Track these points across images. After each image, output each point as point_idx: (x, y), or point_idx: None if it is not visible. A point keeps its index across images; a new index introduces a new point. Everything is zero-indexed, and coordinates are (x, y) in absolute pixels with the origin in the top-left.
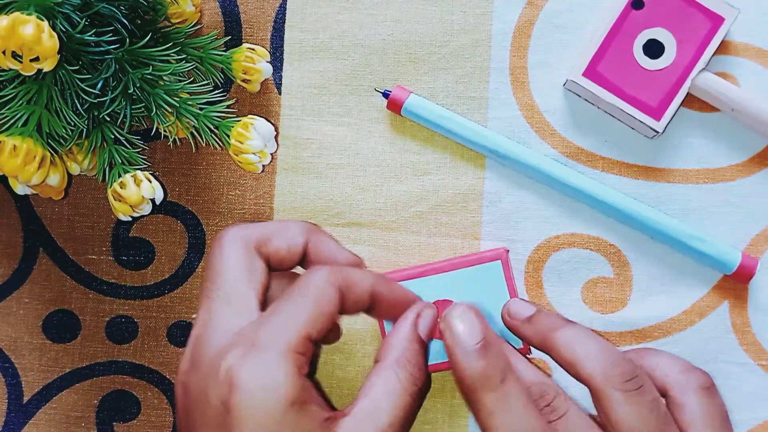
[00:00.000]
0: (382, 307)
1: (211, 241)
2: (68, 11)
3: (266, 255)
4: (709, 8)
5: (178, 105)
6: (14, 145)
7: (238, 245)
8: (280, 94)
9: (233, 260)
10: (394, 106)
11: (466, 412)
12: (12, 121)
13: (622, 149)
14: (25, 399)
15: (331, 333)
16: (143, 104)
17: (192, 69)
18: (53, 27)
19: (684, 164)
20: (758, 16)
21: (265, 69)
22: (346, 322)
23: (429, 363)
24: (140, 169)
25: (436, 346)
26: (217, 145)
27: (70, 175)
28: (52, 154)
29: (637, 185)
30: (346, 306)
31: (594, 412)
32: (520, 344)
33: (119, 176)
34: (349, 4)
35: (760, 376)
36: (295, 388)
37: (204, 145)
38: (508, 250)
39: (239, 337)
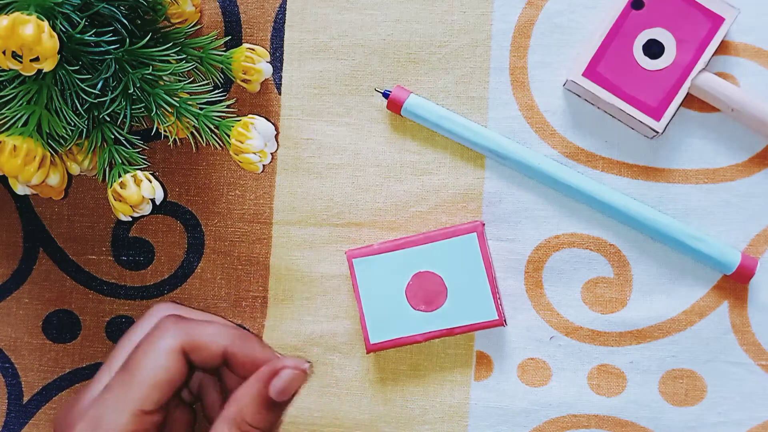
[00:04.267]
0: (238, 366)
1: (207, 240)
2: (68, 11)
3: (190, 360)
4: (709, 8)
5: (178, 105)
6: (14, 145)
7: (175, 355)
8: (280, 94)
9: (164, 371)
10: (394, 106)
11: (466, 411)
12: (12, 121)
13: (622, 149)
14: (25, 399)
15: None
16: (143, 104)
17: (192, 69)
18: (53, 27)
19: (684, 164)
20: (758, 16)
21: (265, 69)
22: (346, 323)
23: (421, 332)
24: (140, 169)
25: (428, 315)
26: (217, 145)
27: (70, 175)
28: (52, 154)
29: (637, 185)
30: (195, 364)
31: None
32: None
33: (119, 176)
34: (349, 4)
35: (759, 375)
36: None
37: (204, 145)
38: (484, 224)
39: (89, 411)
